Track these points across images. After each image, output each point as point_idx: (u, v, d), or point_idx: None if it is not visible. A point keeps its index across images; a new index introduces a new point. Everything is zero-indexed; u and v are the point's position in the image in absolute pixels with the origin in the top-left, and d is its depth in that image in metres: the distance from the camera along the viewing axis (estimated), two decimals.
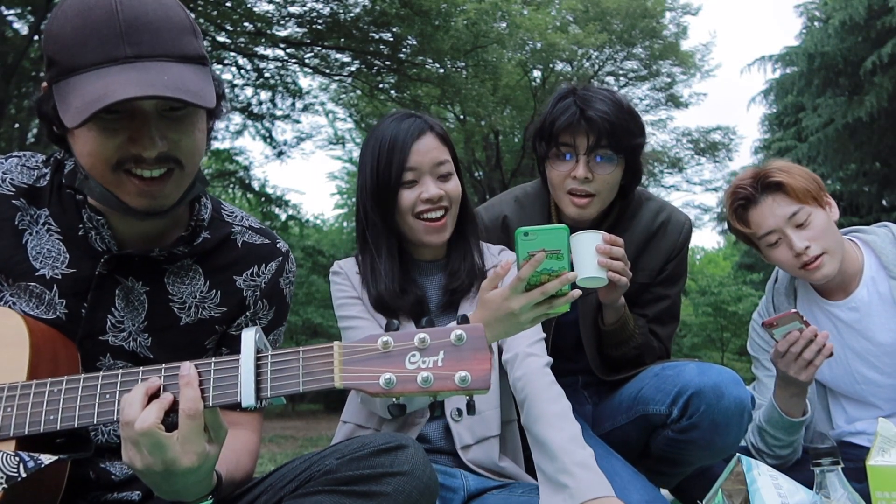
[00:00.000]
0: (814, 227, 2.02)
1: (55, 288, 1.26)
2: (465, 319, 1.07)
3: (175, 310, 1.33)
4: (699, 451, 1.90)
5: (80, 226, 1.29)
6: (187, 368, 1.05)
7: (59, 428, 1.08)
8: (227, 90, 1.22)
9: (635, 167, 2.07)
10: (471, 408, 1.07)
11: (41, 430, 1.08)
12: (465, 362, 1.01)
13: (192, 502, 1.11)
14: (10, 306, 1.24)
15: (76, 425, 1.08)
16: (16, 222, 1.28)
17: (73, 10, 1.13)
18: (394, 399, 1.03)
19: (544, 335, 1.82)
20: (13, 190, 1.29)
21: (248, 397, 1.02)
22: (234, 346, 1.37)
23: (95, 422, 1.07)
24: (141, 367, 1.09)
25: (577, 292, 1.43)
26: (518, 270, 1.40)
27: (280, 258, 1.45)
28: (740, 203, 2.11)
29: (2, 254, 1.26)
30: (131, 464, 1.03)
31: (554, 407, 1.63)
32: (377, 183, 1.81)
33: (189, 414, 1.02)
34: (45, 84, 1.20)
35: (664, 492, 2.28)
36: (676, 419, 1.87)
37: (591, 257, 1.72)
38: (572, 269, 1.39)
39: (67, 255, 1.28)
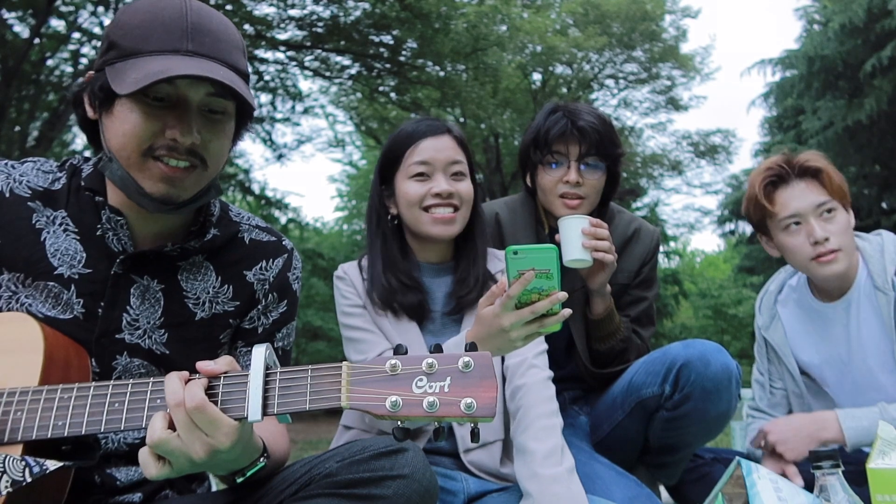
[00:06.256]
0: (837, 223, 2.03)
1: (73, 287, 1.28)
2: (473, 347, 1.07)
3: (190, 305, 1.37)
4: (695, 426, 1.94)
5: (98, 226, 1.32)
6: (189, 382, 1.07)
7: (66, 434, 1.09)
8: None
9: (615, 176, 2.21)
10: (475, 435, 1.07)
11: (48, 436, 1.09)
12: (472, 389, 1.02)
13: (247, 468, 1.14)
14: (26, 308, 1.26)
15: (83, 432, 1.09)
16: (33, 222, 1.31)
17: (145, 6, 1.23)
18: (398, 422, 1.04)
19: (546, 347, 1.85)
20: (29, 192, 1.33)
21: (254, 413, 1.03)
22: (249, 340, 1.42)
23: (103, 430, 1.08)
24: (151, 379, 1.11)
25: (567, 311, 1.46)
26: (508, 288, 1.42)
27: (286, 254, 1.49)
28: (771, 179, 2.09)
29: (21, 253, 1.28)
30: (194, 458, 1.03)
31: (545, 421, 1.67)
32: (383, 164, 1.90)
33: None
34: (90, 73, 1.28)
35: (664, 494, 2.29)
36: (670, 395, 1.92)
37: (577, 239, 1.90)
38: (562, 289, 1.41)
39: (84, 255, 1.31)
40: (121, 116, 1.22)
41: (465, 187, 1.85)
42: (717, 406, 1.89)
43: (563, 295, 1.42)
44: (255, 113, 1.38)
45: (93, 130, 1.32)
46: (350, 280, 1.89)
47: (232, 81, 1.20)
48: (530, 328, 1.45)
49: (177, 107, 1.22)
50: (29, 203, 1.31)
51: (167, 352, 1.34)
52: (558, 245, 1.93)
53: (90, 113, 1.29)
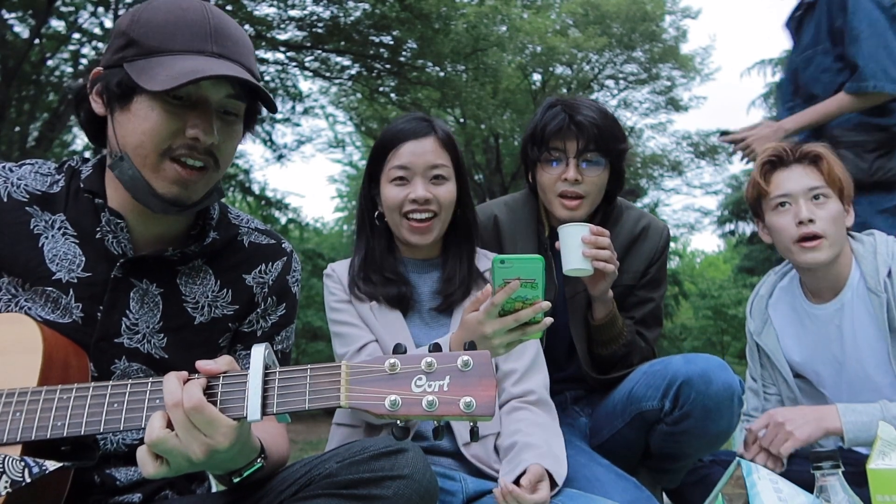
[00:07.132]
0: (827, 210, 2.02)
1: (71, 292, 1.28)
2: (472, 346, 1.08)
3: (189, 310, 1.36)
4: (695, 441, 1.92)
5: (98, 229, 1.32)
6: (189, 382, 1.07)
7: (65, 435, 1.09)
8: None
9: (619, 171, 2.15)
10: (474, 434, 1.07)
11: (48, 436, 1.09)
12: (471, 388, 1.02)
13: (244, 469, 1.14)
14: (26, 311, 1.26)
15: (83, 433, 1.09)
16: (31, 227, 1.30)
17: (167, 6, 1.24)
18: (398, 421, 1.04)
19: (546, 381, 1.89)
20: (27, 196, 1.32)
21: (254, 412, 1.03)
22: (248, 343, 1.42)
23: (102, 430, 1.09)
24: (150, 379, 1.11)
25: (549, 320, 1.47)
26: (493, 296, 1.43)
27: (285, 257, 1.49)
28: (771, 160, 2.11)
29: (19, 258, 1.28)
30: (192, 458, 1.03)
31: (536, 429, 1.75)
32: (370, 162, 1.92)
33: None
34: (98, 69, 1.28)
35: (664, 497, 2.29)
36: (669, 411, 1.89)
37: (577, 248, 1.85)
38: (546, 299, 1.43)
39: (83, 259, 1.30)
40: (140, 114, 1.21)
41: (445, 192, 1.85)
42: (718, 424, 1.86)
43: (547, 304, 1.43)
44: (256, 114, 1.38)
45: (97, 129, 1.31)
46: (337, 277, 1.92)
47: (256, 85, 1.23)
48: (512, 336, 1.47)
49: (196, 106, 1.22)
50: (27, 208, 1.31)
51: (166, 356, 1.33)
52: (558, 252, 1.93)
53: (99, 109, 1.28)
